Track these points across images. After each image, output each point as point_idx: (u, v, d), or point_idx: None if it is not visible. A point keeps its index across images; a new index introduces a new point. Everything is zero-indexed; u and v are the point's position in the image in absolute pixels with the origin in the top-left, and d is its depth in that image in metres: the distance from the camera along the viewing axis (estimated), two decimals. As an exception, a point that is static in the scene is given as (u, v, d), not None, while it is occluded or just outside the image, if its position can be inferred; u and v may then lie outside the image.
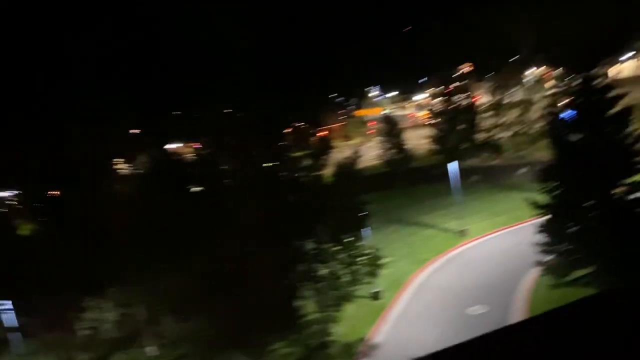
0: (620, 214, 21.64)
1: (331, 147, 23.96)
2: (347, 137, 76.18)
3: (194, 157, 24.93)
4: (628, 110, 22.32)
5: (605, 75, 23.79)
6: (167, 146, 30.45)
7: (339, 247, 24.07)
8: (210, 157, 23.33)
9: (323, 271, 24.11)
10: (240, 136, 20.92)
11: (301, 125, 24.90)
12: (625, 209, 21.71)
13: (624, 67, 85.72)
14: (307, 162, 23.60)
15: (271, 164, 22.53)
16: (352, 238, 24.75)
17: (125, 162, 31.17)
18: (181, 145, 31.42)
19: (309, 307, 24.25)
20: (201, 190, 23.40)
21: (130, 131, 36.13)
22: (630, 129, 22.30)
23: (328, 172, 24.27)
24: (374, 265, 25.66)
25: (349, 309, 26.25)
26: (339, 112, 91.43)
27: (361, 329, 25.27)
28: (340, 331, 24.01)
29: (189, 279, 19.36)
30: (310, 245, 23.12)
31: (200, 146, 24.60)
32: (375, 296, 28.14)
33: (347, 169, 24.26)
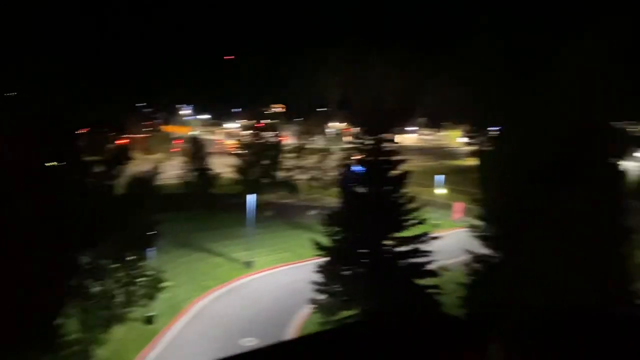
0: (386, 264, 24.38)
1: (128, 157, 22.62)
2: (149, 151, 72.88)
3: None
4: (405, 175, 25.58)
5: (393, 141, 26.99)
6: None
7: (118, 265, 22.55)
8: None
9: (95, 288, 22.26)
10: (24, 128, 18.53)
11: (99, 128, 23.05)
12: (391, 260, 24.55)
13: (408, 137, 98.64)
14: (99, 168, 21.88)
15: (56, 164, 20.34)
16: (135, 257, 23.45)
17: None
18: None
19: (73, 325, 22.03)
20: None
21: None
22: (404, 190, 25.54)
23: (121, 182, 22.80)
24: (153, 287, 24.57)
25: (118, 332, 24.54)
26: (145, 123, 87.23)
27: (127, 353, 23.74)
28: (104, 355, 22.23)
29: None
30: (85, 258, 21.22)
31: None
32: (149, 320, 26.83)
33: (142, 183, 23.13)
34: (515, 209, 20.35)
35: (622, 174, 21.14)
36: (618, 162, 20.97)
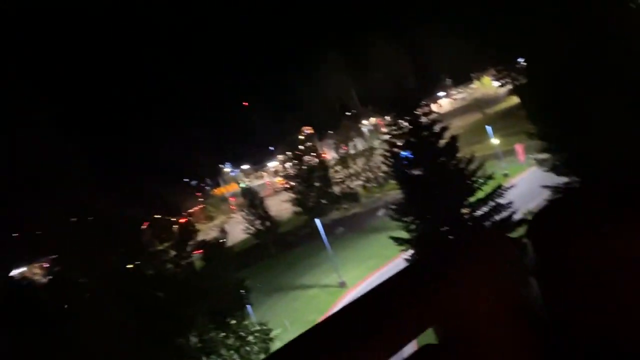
0: (472, 231, 23.71)
1: (194, 232, 23.31)
2: (210, 218, 74.79)
3: (47, 278, 22.54)
4: (454, 139, 24.97)
5: (429, 113, 26.49)
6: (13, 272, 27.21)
7: (224, 333, 23.04)
8: (63, 273, 21.25)
9: (212, 362, 22.78)
10: (88, 242, 19.43)
11: (158, 217, 23.95)
12: (475, 226, 23.87)
13: (442, 102, 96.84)
14: (172, 252, 22.62)
15: (131, 264, 21.15)
16: (236, 319, 23.91)
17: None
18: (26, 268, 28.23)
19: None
20: (59, 314, 21.06)
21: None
22: (459, 154, 24.91)
23: (197, 257, 23.47)
24: (264, 341, 24.93)
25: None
26: (197, 194, 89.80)
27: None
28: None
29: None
30: (193, 338, 21.81)
31: (49, 265, 22.39)
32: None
33: (216, 249, 23.69)
34: (571, 127, 19.46)
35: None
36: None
